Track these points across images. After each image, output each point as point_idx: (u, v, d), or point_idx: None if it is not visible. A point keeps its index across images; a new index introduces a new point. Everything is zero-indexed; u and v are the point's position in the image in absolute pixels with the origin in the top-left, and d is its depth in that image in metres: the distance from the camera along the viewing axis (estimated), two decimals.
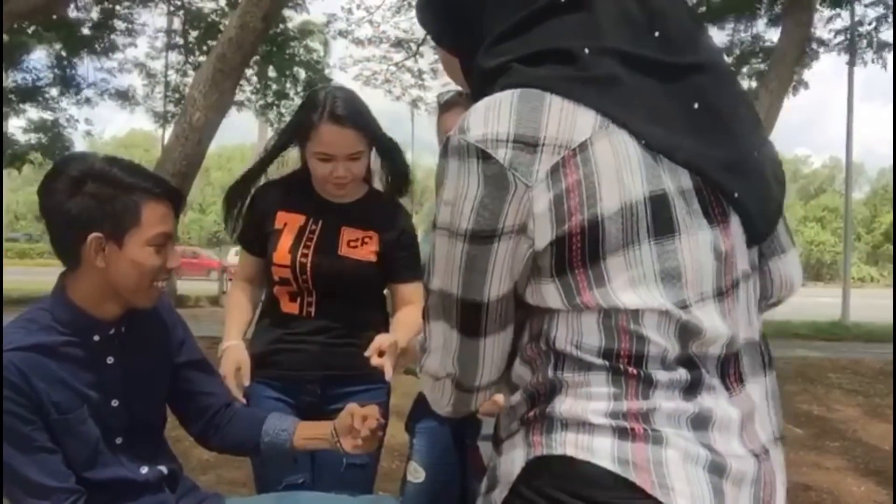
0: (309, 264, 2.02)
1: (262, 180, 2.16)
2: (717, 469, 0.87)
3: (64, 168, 1.50)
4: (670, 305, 0.88)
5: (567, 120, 0.88)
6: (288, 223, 2.07)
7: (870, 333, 12.52)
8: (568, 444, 0.87)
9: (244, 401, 2.00)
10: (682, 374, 0.90)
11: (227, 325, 2.11)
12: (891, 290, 17.22)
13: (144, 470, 1.61)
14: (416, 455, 2.24)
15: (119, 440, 1.58)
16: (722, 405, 0.91)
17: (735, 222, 0.93)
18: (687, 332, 0.90)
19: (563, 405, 0.89)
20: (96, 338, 1.55)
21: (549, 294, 0.91)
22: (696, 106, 0.91)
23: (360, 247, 2.05)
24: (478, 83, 0.97)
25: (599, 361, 0.89)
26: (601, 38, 0.92)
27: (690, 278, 0.90)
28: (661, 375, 0.89)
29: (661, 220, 0.88)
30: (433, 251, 0.96)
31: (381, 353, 1.79)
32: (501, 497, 0.93)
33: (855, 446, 4.95)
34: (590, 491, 0.85)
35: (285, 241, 2.04)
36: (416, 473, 2.23)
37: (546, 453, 0.88)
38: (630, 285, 0.88)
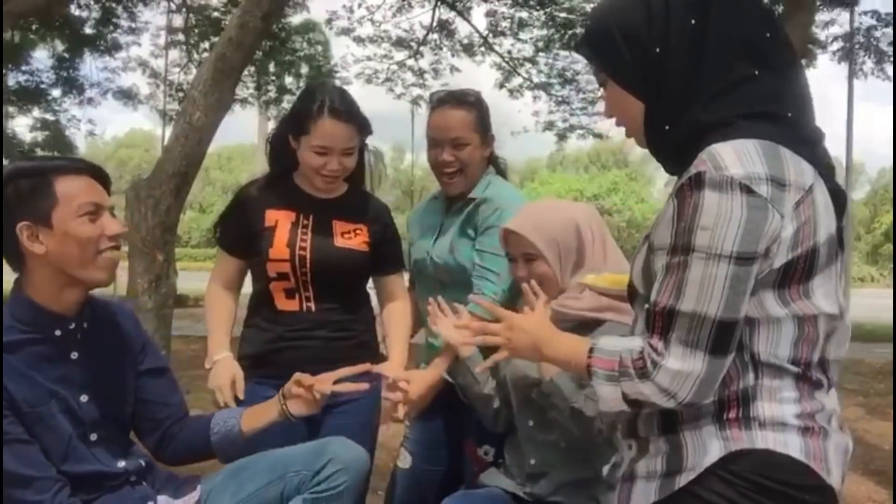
0: (308, 255, 2.04)
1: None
2: (846, 451, 1.22)
3: None
4: (838, 311, 1.18)
5: (797, 168, 1.13)
6: (279, 220, 2.08)
7: (870, 333, 12.51)
8: (768, 440, 1.15)
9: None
10: (823, 375, 1.20)
11: (212, 335, 2.10)
12: (891, 290, 17.22)
13: (122, 464, 1.62)
14: (407, 442, 2.32)
15: (94, 436, 1.58)
16: (834, 397, 1.23)
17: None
18: (836, 335, 1.20)
19: (764, 409, 1.16)
20: (58, 332, 1.55)
21: (768, 303, 1.14)
22: (825, 166, 1.19)
23: (353, 237, 2.10)
24: (688, 130, 1.18)
25: (791, 368, 1.16)
26: (785, 105, 1.18)
27: (841, 294, 1.20)
28: (821, 377, 1.19)
29: (837, 247, 1.18)
30: (681, 275, 1.11)
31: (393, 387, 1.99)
32: (688, 479, 1.16)
33: (855, 446, 4.88)
34: (781, 475, 1.13)
35: (281, 236, 2.06)
36: (405, 459, 2.32)
37: (748, 447, 1.14)
38: (825, 296, 1.17)
